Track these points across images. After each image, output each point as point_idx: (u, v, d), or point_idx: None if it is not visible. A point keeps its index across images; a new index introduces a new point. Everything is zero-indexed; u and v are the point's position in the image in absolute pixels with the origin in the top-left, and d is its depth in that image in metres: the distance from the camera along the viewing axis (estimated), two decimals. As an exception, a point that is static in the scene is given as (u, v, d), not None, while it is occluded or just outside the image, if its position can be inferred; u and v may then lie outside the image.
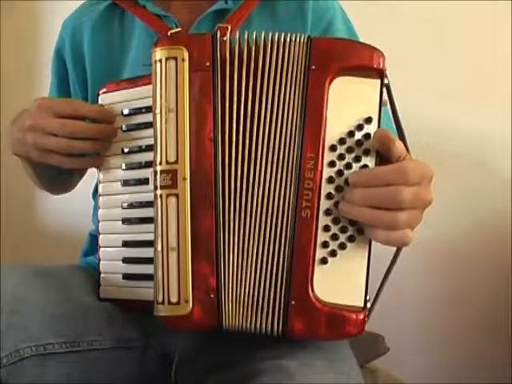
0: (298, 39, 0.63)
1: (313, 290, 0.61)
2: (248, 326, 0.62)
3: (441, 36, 1.42)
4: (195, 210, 0.63)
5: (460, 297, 1.43)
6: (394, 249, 0.62)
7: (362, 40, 0.75)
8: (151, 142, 0.70)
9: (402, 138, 0.63)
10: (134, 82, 0.73)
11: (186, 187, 0.63)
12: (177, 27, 0.86)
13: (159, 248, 0.63)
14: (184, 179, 0.63)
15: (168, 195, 0.63)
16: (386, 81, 0.62)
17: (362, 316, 0.60)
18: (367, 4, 1.40)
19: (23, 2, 1.67)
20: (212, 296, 0.62)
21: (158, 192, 0.64)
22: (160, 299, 0.63)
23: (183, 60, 0.64)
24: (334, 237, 0.61)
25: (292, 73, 0.62)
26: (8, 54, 1.67)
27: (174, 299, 0.63)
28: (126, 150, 0.73)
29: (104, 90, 0.75)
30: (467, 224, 1.43)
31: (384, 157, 0.60)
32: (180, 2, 0.89)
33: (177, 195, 0.63)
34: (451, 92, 1.42)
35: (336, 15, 0.89)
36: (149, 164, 0.70)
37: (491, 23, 1.41)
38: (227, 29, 0.65)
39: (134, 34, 0.89)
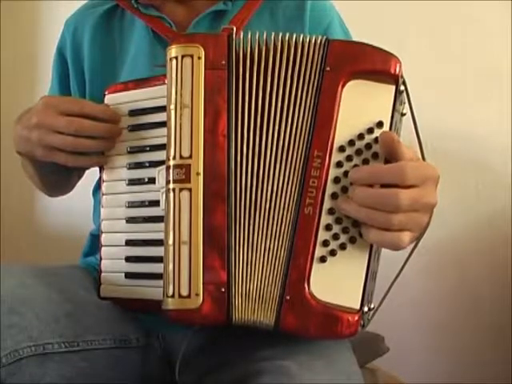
0: (314, 40, 0.63)
1: (309, 287, 0.61)
2: (253, 320, 0.63)
3: (442, 36, 1.42)
4: (207, 204, 0.63)
5: (460, 297, 1.43)
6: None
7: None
8: (156, 142, 0.71)
9: (419, 145, 0.63)
10: (141, 83, 0.74)
11: (199, 182, 0.63)
12: (171, 27, 0.86)
13: (170, 241, 0.64)
14: (197, 174, 0.63)
15: (181, 189, 0.64)
16: (402, 87, 0.62)
17: (356, 318, 0.60)
18: (370, 4, 1.41)
19: (23, 1, 1.67)
20: (223, 290, 0.62)
21: (171, 186, 0.64)
22: (170, 292, 0.63)
23: (199, 58, 0.65)
24: (335, 236, 0.61)
25: (306, 73, 0.63)
26: (8, 54, 1.67)
27: (184, 292, 0.63)
28: (130, 150, 0.73)
29: (110, 90, 0.76)
30: (467, 224, 1.43)
31: (391, 160, 0.59)
32: (174, 2, 0.89)
33: (190, 189, 0.63)
34: (451, 92, 1.42)
35: (333, 20, 0.90)
36: (153, 164, 0.71)
37: (491, 24, 1.41)
38: (232, 30, 0.66)
39: (132, 35, 0.89)
